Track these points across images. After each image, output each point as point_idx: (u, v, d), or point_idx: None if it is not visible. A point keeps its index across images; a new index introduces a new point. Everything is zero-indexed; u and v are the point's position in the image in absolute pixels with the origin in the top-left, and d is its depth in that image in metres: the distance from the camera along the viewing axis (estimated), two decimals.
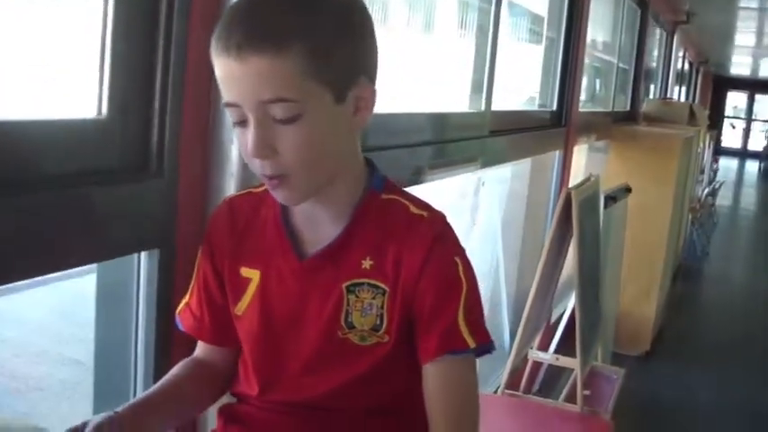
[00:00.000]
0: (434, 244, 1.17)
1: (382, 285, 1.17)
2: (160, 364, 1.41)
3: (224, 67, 1.06)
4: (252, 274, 1.23)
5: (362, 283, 1.18)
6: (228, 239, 1.26)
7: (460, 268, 1.18)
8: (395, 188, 1.25)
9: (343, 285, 1.18)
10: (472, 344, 1.16)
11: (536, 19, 4.66)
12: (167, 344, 1.43)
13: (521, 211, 4.63)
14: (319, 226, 1.20)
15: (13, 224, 1.11)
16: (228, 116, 1.13)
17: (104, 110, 1.29)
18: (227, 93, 1.08)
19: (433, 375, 1.17)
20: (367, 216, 1.20)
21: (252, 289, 1.23)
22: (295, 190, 1.13)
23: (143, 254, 1.40)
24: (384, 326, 1.17)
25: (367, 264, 1.18)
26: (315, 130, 1.08)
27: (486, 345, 1.18)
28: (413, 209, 1.21)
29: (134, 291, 1.42)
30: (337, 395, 1.20)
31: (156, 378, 1.40)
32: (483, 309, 1.22)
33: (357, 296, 1.17)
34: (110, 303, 1.52)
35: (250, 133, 1.07)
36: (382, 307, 1.17)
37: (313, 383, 1.21)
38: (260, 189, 1.28)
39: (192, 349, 1.43)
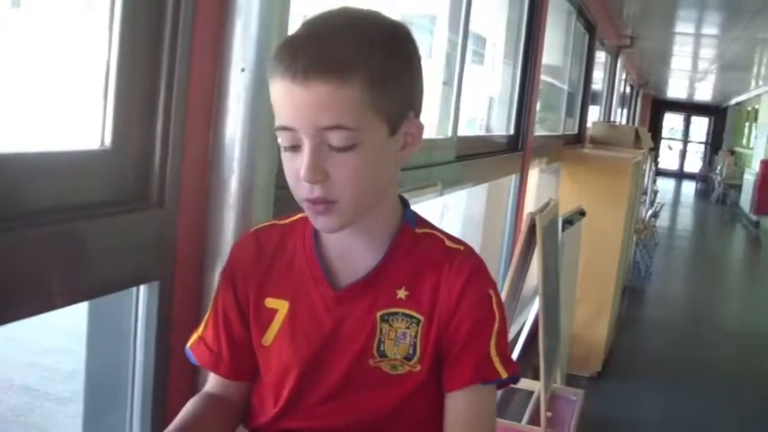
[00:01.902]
0: (471, 277, 1.20)
1: (417, 315, 1.19)
2: (158, 397, 1.40)
3: (285, 91, 1.06)
4: (279, 305, 1.23)
5: (397, 313, 1.19)
6: (255, 271, 1.26)
7: (494, 301, 1.21)
8: (427, 223, 1.28)
9: (378, 315, 1.19)
10: (504, 374, 1.19)
11: (478, 40, 4.73)
12: (165, 377, 1.41)
13: (477, 236, 4.67)
14: (354, 256, 1.21)
15: (6, 262, 1.09)
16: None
17: (107, 141, 1.29)
18: (284, 116, 1.09)
19: (462, 403, 1.19)
20: (402, 248, 1.22)
21: (279, 320, 1.23)
22: (340, 217, 1.13)
23: (142, 286, 1.38)
24: (417, 355, 1.19)
25: (402, 294, 1.19)
26: (367, 161, 1.09)
27: (515, 376, 1.21)
28: (448, 243, 1.24)
29: (131, 322, 1.40)
30: (356, 424, 1.21)
31: (155, 412, 1.39)
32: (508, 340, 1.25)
33: (391, 325, 1.19)
34: (103, 335, 1.50)
35: (304, 157, 1.07)
36: (416, 336, 1.19)
37: (333, 411, 1.21)
38: (285, 221, 1.29)
39: (191, 383, 1.42)
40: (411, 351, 1.19)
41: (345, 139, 1.07)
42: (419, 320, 1.19)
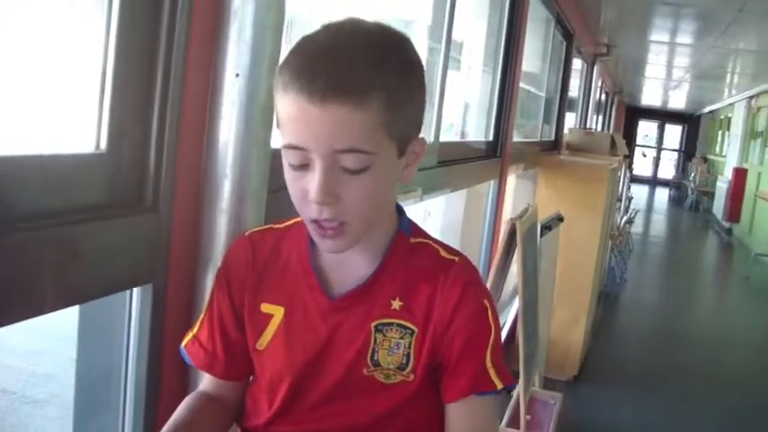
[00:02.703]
0: (467, 289, 1.21)
1: (411, 326, 1.20)
2: (151, 398, 1.41)
3: (300, 110, 1.04)
4: (274, 311, 1.24)
5: (391, 324, 1.20)
6: (250, 274, 1.26)
7: (489, 312, 1.22)
8: (422, 232, 1.28)
9: (372, 324, 1.20)
10: (500, 385, 1.21)
11: (454, 45, 4.76)
12: (158, 378, 1.43)
13: (456, 241, 4.70)
14: (349, 265, 1.22)
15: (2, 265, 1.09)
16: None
17: (103, 145, 1.30)
18: (296, 136, 1.07)
19: (459, 415, 1.21)
20: (397, 258, 1.22)
21: (274, 325, 1.24)
22: (348, 238, 1.13)
23: (135, 289, 1.39)
24: (411, 365, 1.20)
25: (396, 304, 1.20)
26: (378, 183, 1.10)
27: (510, 386, 1.23)
28: (443, 253, 1.25)
29: (124, 324, 1.41)
30: (348, 430, 1.23)
31: (148, 413, 1.41)
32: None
33: (385, 335, 1.20)
34: (93, 337, 1.50)
35: (316, 179, 1.06)
36: (409, 347, 1.20)
37: (326, 416, 1.22)
38: (280, 226, 1.30)
39: (183, 384, 1.43)
40: (404, 361, 1.20)
41: (360, 161, 1.06)
42: (413, 331, 1.20)
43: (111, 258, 1.29)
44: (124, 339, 1.42)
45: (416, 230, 1.28)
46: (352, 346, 1.20)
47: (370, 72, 1.04)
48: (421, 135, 1.19)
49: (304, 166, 1.08)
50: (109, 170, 1.31)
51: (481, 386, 1.20)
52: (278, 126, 1.11)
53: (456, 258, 1.25)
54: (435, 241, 1.28)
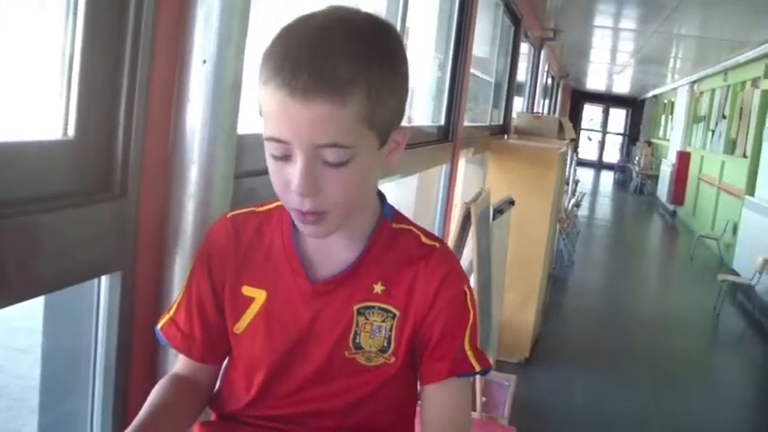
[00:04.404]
0: (447, 275, 1.23)
1: (393, 309, 1.22)
2: (120, 383, 1.42)
3: (282, 106, 1.05)
4: (256, 294, 1.25)
5: (373, 307, 1.22)
6: (233, 255, 1.27)
7: (468, 297, 1.26)
8: (403, 218, 1.30)
9: (354, 308, 1.22)
10: (478, 367, 1.24)
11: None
12: (127, 365, 1.43)
13: None
14: (332, 251, 1.23)
15: None
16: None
17: (71, 131, 1.29)
18: (277, 129, 1.07)
19: (438, 395, 1.24)
20: (380, 243, 1.24)
21: (255, 308, 1.25)
22: (329, 226, 1.15)
23: (103, 276, 1.39)
24: (392, 348, 1.22)
25: (378, 288, 1.23)
26: (359, 174, 1.11)
27: (487, 369, 1.26)
28: (424, 239, 1.28)
29: (92, 312, 1.41)
30: (329, 412, 1.25)
31: (117, 397, 1.41)
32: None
33: (367, 318, 1.22)
34: (61, 324, 1.50)
35: (297, 171, 1.07)
36: (391, 330, 1.22)
37: (306, 400, 1.24)
38: (261, 209, 1.30)
39: (153, 368, 1.44)
40: (386, 344, 1.22)
41: (341, 155, 1.07)
42: (395, 315, 1.23)
43: (79, 246, 1.28)
44: (92, 325, 1.41)
45: (398, 216, 1.30)
46: (335, 330, 1.22)
47: (352, 68, 1.05)
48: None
49: (286, 158, 1.09)
50: (77, 156, 1.30)
51: (460, 369, 1.23)
52: (260, 115, 1.11)
53: (437, 245, 1.28)
54: (417, 227, 1.30)
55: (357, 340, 1.22)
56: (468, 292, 1.26)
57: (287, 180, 1.10)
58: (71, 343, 1.47)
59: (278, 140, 1.08)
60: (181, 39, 1.41)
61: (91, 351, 1.42)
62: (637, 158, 21.52)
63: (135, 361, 1.44)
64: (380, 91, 1.08)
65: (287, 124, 1.06)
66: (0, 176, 1.17)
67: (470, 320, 1.25)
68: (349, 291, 1.23)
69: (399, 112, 1.16)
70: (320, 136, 1.06)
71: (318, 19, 1.10)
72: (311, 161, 1.07)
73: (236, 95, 1.46)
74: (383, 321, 1.22)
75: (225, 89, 1.43)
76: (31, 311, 1.48)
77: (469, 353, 1.24)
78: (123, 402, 1.43)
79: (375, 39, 1.11)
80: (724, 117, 12.30)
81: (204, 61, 1.41)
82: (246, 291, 1.26)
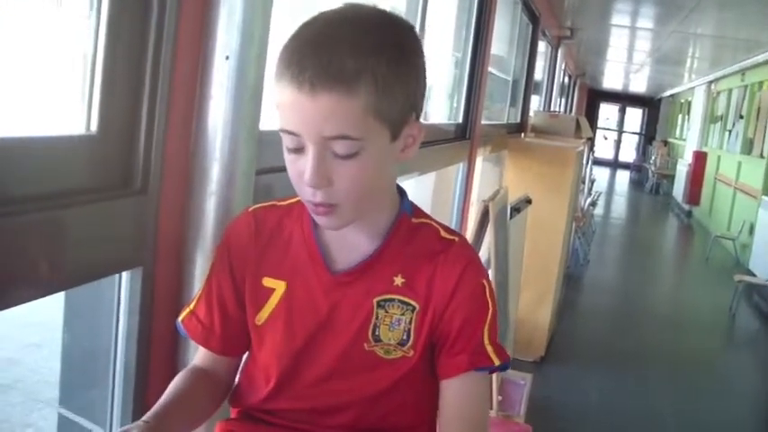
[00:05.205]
0: (466, 268, 1.23)
1: (412, 302, 1.23)
2: (141, 376, 1.42)
3: (291, 99, 1.07)
4: (276, 285, 1.26)
5: (393, 300, 1.23)
6: (253, 248, 1.28)
7: (487, 291, 1.25)
8: (423, 213, 1.31)
9: (374, 300, 1.22)
10: (497, 361, 1.24)
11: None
12: (147, 360, 1.43)
13: None
14: (352, 242, 1.24)
15: None
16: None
17: (94, 127, 1.30)
18: (289, 122, 1.10)
19: (457, 390, 1.24)
20: (399, 237, 1.25)
21: (275, 299, 1.26)
22: (341, 218, 1.16)
23: (124, 272, 1.40)
24: (411, 341, 1.23)
25: (398, 281, 1.23)
26: (370, 166, 1.12)
27: (506, 363, 1.26)
28: (443, 233, 1.28)
29: (113, 306, 1.42)
30: (348, 405, 1.25)
31: (138, 389, 1.42)
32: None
33: (386, 311, 1.22)
34: (82, 318, 1.51)
35: (308, 163, 1.09)
36: (410, 323, 1.23)
37: (324, 392, 1.25)
38: (284, 203, 1.31)
39: (173, 362, 1.44)
40: (405, 337, 1.23)
41: (349, 147, 1.09)
42: (414, 308, 1.23)
43: (101, 242, 1.29)
44: (113, 321, 1.42)
45: (418, 211, 1.30)
46: (354, 322, 1.23)
47: (356, 59, 1.06)
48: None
49: (299, 150, 1.11)
50: (99, 152, 1.31)
51: (479, 362, 1.23)
52: (276, 108, 1.13)
53: (456, 239, 1.28)
54: (436, 222, 1.31)
55: (377, 332, 1.22)
56: (487, 286, 1.26)
57: (300, 172, 1.12)
58: (91, 338, 1.48)
59: (290, 132, 1.10)
60: (203, 35, 1.41)
61: (111, 346, 1.43)
62: (653, 158, 21.42)
63: (154, 356, 1.44)
64: (389, 83, 1.09)
65: (297, 117, 1.09)
66: (24, 171, 1.17)
67: (489, 314, 1.24)
68: (369, 283, 1.23)
69: (412, 105, 1.16)
70: (328, 128, 1.07)
71: (330, 15, 1.12)
72: (321, 153, 1.09)
73: (259, 92, 1.47)
74: (402, 314, 1.23)
75: (247, 86, 1.43)
76: (39, 306, 1.48)
77: (488, 347, 1.23)
78: (142, 397, 1.43)
79: (383, 32, 1.12)
80: (741, 117, 12.22)
81: (227, 57, 1.41)
82: (267, 282, 1.27)
